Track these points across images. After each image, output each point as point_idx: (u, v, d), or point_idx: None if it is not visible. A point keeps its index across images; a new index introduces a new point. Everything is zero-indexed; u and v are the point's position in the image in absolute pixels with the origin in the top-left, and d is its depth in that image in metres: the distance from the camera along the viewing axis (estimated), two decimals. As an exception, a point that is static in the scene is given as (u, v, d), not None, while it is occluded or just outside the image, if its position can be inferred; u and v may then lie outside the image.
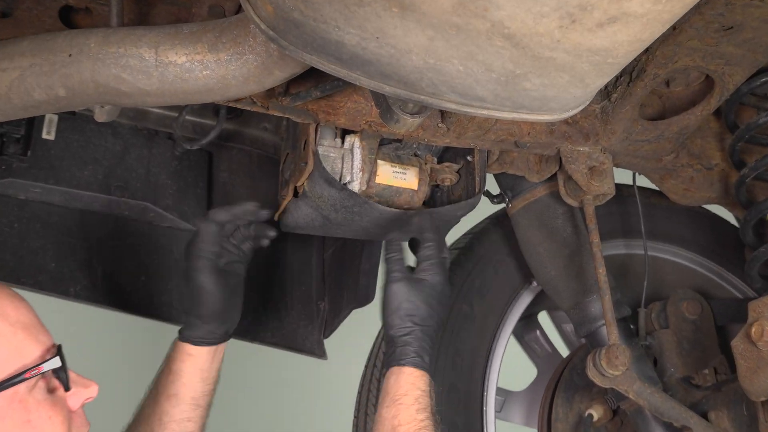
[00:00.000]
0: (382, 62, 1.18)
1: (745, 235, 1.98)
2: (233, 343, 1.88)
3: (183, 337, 1.78)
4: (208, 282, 1.76)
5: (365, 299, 2.08)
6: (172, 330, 1.87)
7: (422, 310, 1.71)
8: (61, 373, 1.38)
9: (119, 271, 2.05)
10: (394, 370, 1.68)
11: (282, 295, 2.21)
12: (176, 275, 2.10)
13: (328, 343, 2.22)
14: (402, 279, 1.72)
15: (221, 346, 1.80)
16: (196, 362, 1.77)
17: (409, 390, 1.66)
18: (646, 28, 1.11)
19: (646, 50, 1.70)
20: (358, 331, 1.78)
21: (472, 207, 1.90)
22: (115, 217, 2.06)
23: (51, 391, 1.39)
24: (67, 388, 1.40)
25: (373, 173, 1.87)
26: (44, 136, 2.01)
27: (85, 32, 1.44)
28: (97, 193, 2.02)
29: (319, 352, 2.21)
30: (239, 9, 1.59)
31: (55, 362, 1.37)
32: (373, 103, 1.74)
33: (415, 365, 1.68)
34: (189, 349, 1.77)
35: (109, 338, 3.55)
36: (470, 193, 1.91)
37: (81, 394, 1.42)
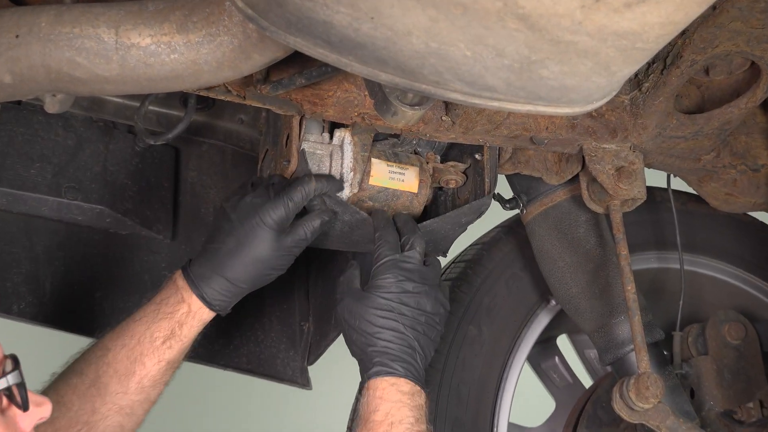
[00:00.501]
0: (377, 46, 1.19)
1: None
2: (201, 369, 1.89)
3: (212, 305, 1.80)
4: (268, 254, 1.79)
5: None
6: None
7: (377, 320, 1.75)
8: (20, 391, 1.36)
9: (70, 286, 2.06)
10: (363, 389, 1.74)
11: (259, 315, 2.22)
12: (137, 291, 2.11)
13: (313, 371, 2.23)
14: (347, 295, 1.79)
15: None
16: (199, 331, 1.82)
17: (378, 405, 1.70)
18: (681, 8, 1.13)
19: (682, 33, 1.72)
20: (347, 356, 1.79)
21: (479, 212, 1.91)
22: (66, 224, 2.07)
23: (1, 411, 1.36)
24: (25, 408, 1.37)
25: (366, 173, 1.88)
26: (-18, 129, 2.02)
27: (35, 10, 1.45)
28: (45, 196, 2.02)
29: (302, 381, 2.22)
30: (212, -17, 1.60)
31: (15, 377, 1.35)
32: (366, 93, 1.76)
33: (379, 374, 1.72)
34: (206, 314, 1.81)
35: (56, 363, 3.54)
36: (478, 197, 1.92)
37: (34, 414, 1.39)
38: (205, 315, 1.81)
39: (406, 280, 1.77)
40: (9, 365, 1.37)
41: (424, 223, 1.89)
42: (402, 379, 1.72)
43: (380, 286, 1.77)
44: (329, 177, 1.82)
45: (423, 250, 1.82)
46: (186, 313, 1.80)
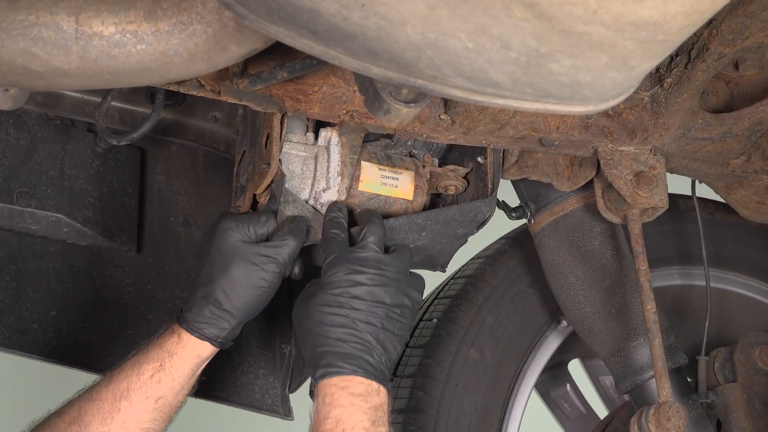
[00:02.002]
0: (368, 36, 1.20)
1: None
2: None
3: (202, 333, 1.83)
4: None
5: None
6: (85, 378, 1.88)
7: (324, 317, 1.76)
8: None
9: (22, 302, 2.06)
10: (314, 396, 1.75)
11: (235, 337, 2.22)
12: (98, 310, 2.11)
13: (295, 399, 2.23)
14: (298, 299, 1.84)
15: None
16: (200, 366, 1.85)
17: (328, 411, 1.71)
18: (707, -4, 1.14)
19: (709, 23, 1.73)
20: (334, 383, 1.80)
21: (476, 220, 1.91)
22: (18, 234, 2.07)
23: None
24: None
25: (355, 178, 1.89)
26: (-76, 127, 2.02)
27: (-16, -6, 1.46)
28: (-5, 202, 2.03)
29: (283, 411, 2.22)
30: (184, -35, 1.61)
31: None
32: (356, 88, 1.76)
33: (326, 375, 1.73)
34: (203, 349, 1.83)
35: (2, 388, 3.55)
36: (481, 205, 1.93)
37: None
38: (198, 346, 1.82)
39: (357, 272, 1.77)
40: None
41: (391, 219, 1.89)
42: (354, 378, 1.72)
43: (328, 282, 1.78)
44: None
45: (380, 239, 1.83)
46: (176, 343, 1.82)
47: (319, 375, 1.74)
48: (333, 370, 1.73)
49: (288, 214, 1.84)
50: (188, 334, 1.82)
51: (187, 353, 1.82)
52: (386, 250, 1.86)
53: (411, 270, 1.87)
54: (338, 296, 1.76)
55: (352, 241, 1.85)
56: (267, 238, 1.84)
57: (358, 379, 1.73)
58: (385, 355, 1.77)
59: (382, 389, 1.75)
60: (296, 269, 1.86)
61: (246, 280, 1.80)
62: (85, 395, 1.82)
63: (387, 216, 1.92)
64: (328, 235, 1.83)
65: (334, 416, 1.69)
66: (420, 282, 1.87)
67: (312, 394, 1.77)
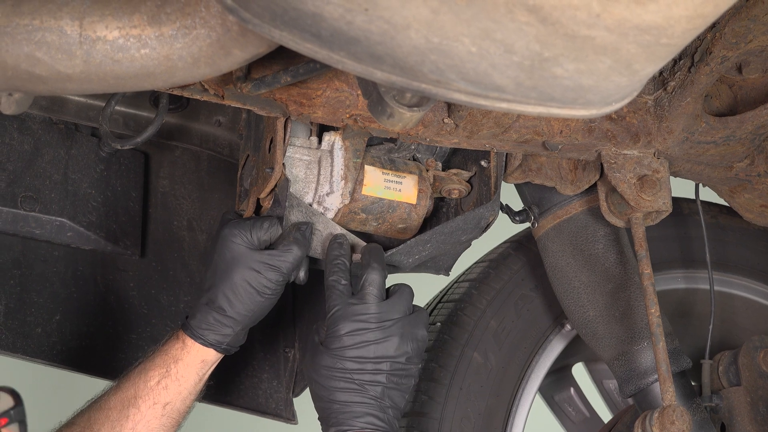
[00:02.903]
0: (372, 41, 1.20)
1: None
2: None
3: (206, 339, 1.84)
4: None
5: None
6: (89, 383, 1.88)
7: (329, 382, 1.78)
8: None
9: (26, 306, 2.06)
10: None
11: (242, 344, 2.22)
12: (102, 314, 2.11)
13: (299, 403, 2.23)
14: (306, 351, 1.87)
15: None
16: (206, 371, 1.86)
17: None
18: (710, 0, 1.14)
19: (712, 27, 1.73)
20: (337, 387, 1.81)
21: (479, 226, 1.92)
22: (22, 238, 2.07)
23: None
24: None
25: (358, 182, 1.89)
26: (-72, 131, 2.02)
27: (-12, -1, 1.46)
28: (-1, 206, 2.03)
29: (287, 415, 2.22)
30: (187, -31, 1.61)
31: (20, 413, 1.36)
32: (359, 92, 1.76)
33: None
34: (208, 355, 1.84)
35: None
36: (484, 209, 1.93)
37: None
38: (202, 352, 1.83)
39: (359, 330, 1.79)
40: (7, 400, 1.36)
41: (401, 246, 1.89)
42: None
43: (331, 341, 1.79)
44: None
45: (380, 287, 1.83)
46: (180, 349, 1.83)
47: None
48: (344, 428, 1.76)
49: (293, 219, 1.84)
50: (192, 341, 1.82)
51: (192, 359, 1.82)
52: (387, 291, 1.86)
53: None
54: (341, 358, 1.78)
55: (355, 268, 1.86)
56: (271, 245, 1.84)
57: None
58: (392, 408, 1.79)
59: None
60: (301, 274, 1.86)
61: (249, 287, 1.81)
62: (94, 405, 1.83)
63: (391, 222, 1.92)
64: (329, 282, 1.83)
65: None
66: (423, 316, 1.87)
67: None
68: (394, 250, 1.89)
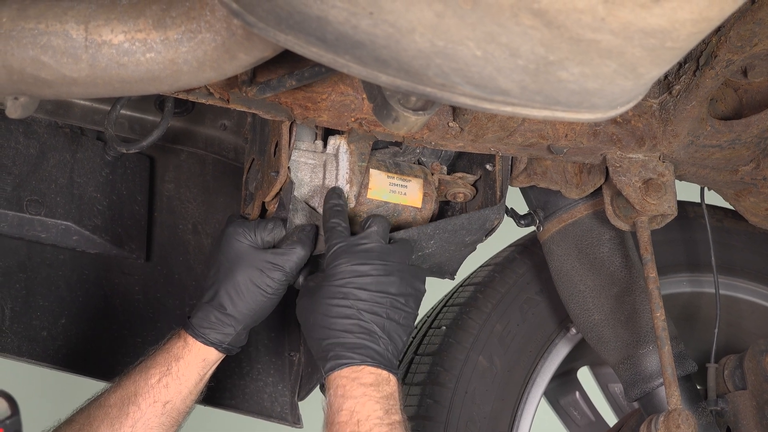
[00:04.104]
0: (377, 44, 1.20)
1: None
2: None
3: (207, 337, 1.84)
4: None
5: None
6: (94, 386, 1.88)
7: (330, 310, 1.77)
8: None
9: (32, 311, 2.06)
10: (325, 390, 1.75)
11: (244, 345, 2.22)
12: (107, 317, 2.11)
13: (304, 407, 2.23)
14: (301, 295, 1.84)
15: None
16: (207, 371, 1.86)
17: (341, 404, 1.71)
18: (715, 3, 1.14)
19: (717, 30, 1.73)
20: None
21: (484, 228, 1.92)
22: (28, 242, 2.07)
23: None
24: None
25: (363, 186, 1.89)
26: (-67, 135, 2.02)
27: (-5, 3, 1.47)
28: (5, 210, 2.02)
29: (292, 418, 2.22)
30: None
31: (16, 423, 1.34)
32: (364, 96, 1.77)
33: (335, 367, 1.74)
34: (209, 354, 1.84)
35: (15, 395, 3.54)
36: (489, 213, 1.93)
37: None
38: (203, 350, 1.83)
39: (361, 262, 1.77)
40: (3, 408, 1.35)
41: (401, 231, 1.89)
42: (363, 368, 1.73)
43: (332, 274, 1.78)
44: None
45: (384, 229, 1.82)
46: (182, 347, 1.83)
47: (329, 367, 1.74)
48: (342, 362, 1.73)
49: (297, 222, 1.84)
50: (194, 339, 1.82)
51: (193, 357, 1.82)
52: (388, 242, 1.86)
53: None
54: (342, 287, 1.76)
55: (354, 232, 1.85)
56: (274, 246, 1.84)
57: (368, 369, 1.73)
58: (391, 345, 1.77)
59: (392, 377, 1.75)
60: (300, 279, 1.86)
61: (251, 285, 1.81)
62: (94, 402, 1.82)
63: (396, 225, 1.92)
64: (329, 225, 1.82)
65: (348, 408, 1.70)
66: (422, 273, 1.87)
67: (323, 387, 1.77)
68: (402, 231, 1.88)
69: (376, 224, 1.82)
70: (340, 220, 1.82)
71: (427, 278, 2.01)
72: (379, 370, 1.74)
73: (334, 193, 1.85)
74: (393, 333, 1.78)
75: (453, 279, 2.05)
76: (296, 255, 1.80)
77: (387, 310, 1.77)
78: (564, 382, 2.50)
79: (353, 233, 1.84)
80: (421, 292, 1.85)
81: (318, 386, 1.96)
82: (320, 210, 1.88)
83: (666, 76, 1.89)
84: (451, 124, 1.84)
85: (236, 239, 1.82)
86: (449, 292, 2.31)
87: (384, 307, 1.77)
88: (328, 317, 1.76)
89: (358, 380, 1.72)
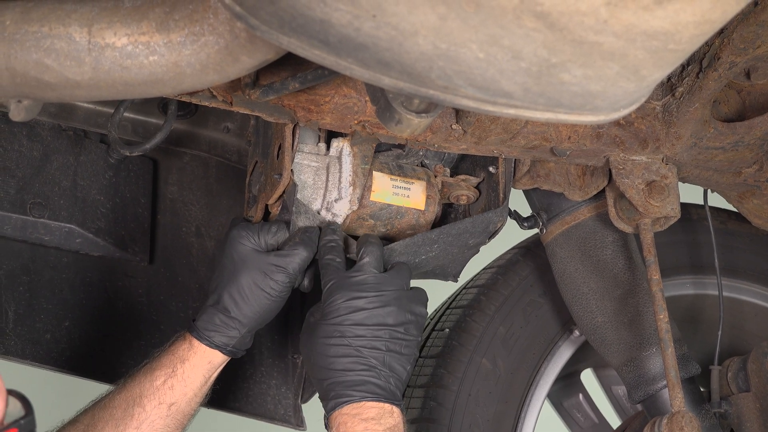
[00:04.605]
0: (380, 47, 1.20)
1: None
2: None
3: (211, 340, 1.84)
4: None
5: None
6: (98, 389, 1.89)
7: (328, 350, 1.76)
8: None
9: (36, 313, 2.06)
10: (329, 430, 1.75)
11: (249, 348, 2.22)
12: (110, 320, 2.11)
13: (308, 409, 2.23)
14: (303, 330, 1.84)
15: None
16: (212, 373, 1.86)
17: None
18: (718, 5, 1.14)
19: (720, 32, 1.73)
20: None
21: (487, 230, 1.92)
22: (31, 244, 2.07)
23: None
24: None
25: (366, 188, 1.89)
26: (-63, 138, 2.02)
27: (-2, 6, 1.47)
28: (8, 213, 2.02)
29: (296, 421, 2.22)
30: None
31: (30, 423, 1.34)
32: (367, 99, 1.77)
33: (336, 406, 1.74)
34: (214, 356, 1.84)
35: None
36: (492, 215, 1.93)
37: None
38: (209, 353, 1.83)
39: (356, 297, 1.77)
40: (17, 408, 1.33)
41: (407, 240, 1.89)
42: (364, 404, 1.73)
43: (328, 312, 1.78)
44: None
45: (377, 259, 1.82)
46: (187, 349, 1.83)
47: (330, 407, 1.75)
48: (342, 400, 1.74)
49: (300, 224, 1.84)
50: (198, 342, 1.83)
51: (198, 360, 1.82)
52: (384, 268, 1.85)
53: (413, 285, 1.88)
54: (339, 325, 1.76)
55: (352, 264, 1.85)
56: (278, 248, 1.84)
57: (369, 404, 1.73)
58: (393, 377, 1.77)
59: (396, 410, 1.75)
60: (305, 282, 1.86)
61: (255, 288, 1.81)
62: (98, 404, 1.83)
63: (399, 227, 1.92)
64: (323, 262, 1.82)
65: None
66: (422, 295, 1.86)
67: (327, 426, 1.77)
68: (399, 244, 1.88)
69: (368, 255, 1.81)
70: (335, 255, 1.82)
71: (430, 280, 2.01)
72: (381, 404, 1.74)
73: (329, 229, 1.86)
74: (394, 364, 1.78)
75: (456, 281, 2.05)
76: (299, 256, 1.80)
77: (386, 343, 1.77)
78: (567, 384, 2.49)
79: (355, 238, 1.84)
80: (422, 317, 1.84)
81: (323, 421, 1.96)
82: (323, 212, 1.88)
83: (669, 78, 1.89)
84: (454, 126, 1.84)
85: (240, 242, 1.82)
86: (452, 295, 2.31)
87: (383, 340, 1.77)
88: (326, 357, 1.76)
89: (359, 416, 1.72)
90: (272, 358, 2.23)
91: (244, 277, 1.81)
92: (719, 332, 2.14)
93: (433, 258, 1.93)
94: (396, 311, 1.79)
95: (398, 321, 1.78)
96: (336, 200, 1.88)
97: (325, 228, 1.86)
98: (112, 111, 2.05)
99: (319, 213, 1.87)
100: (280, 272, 1.80)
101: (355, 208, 1.88)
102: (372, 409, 1.73)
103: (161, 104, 2.15)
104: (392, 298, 1.79)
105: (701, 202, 2.22)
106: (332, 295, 1.78)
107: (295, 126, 1.81)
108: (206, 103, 1.71)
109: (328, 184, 1.88)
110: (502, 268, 2.26)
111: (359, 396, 1.73)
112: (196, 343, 1.83)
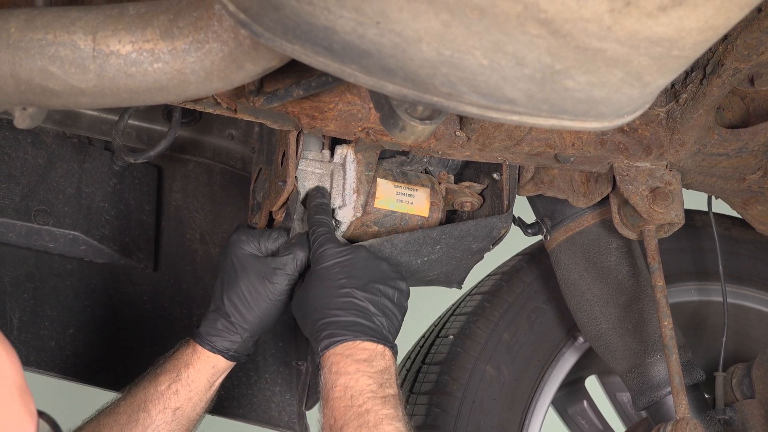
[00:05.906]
0: (384, 54, 1.21)
1: None
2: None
3: (214, 345, 1.84)
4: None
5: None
6: (104, 397, 1.89)
7: (323, 292, 1.77)
8: None
9: (40, 320, 2.06)
10: (320, 369, 1.75)
11: (252, 353, 2.22)
12: (115, 327, 2.11)
13: (312, 417, 2.23)
14: (296, 290, 1.84)
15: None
16: (216, 378, 1.86)
17: (335, 380, 1.70)
18: (721, 12, 1.14)
19: (724, 39, 1.73)
20: (351, 400, 1.80)
21: (491, 236, 1.92)
22: (36, 251, 2.07)
23: None
24: None
25: (371, 195, 1.90)
26: (-57, 145, 2.03)
27: (3, 14, 1.46)
28: (13, 220, 2.03)
29: (300, 428, 2.22)
30: (200, -16, 1.62)
31: None
32: (371, 106, 1.77)
33: (329, 345, 1.73)
34: (218, 361, 1.84)
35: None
36: (497, 222, 1.93)
37: None
38: (212, 358, 1.83)
39: (348, 248, 1.79)
40: (47, 431, 1.33)
41: (406, 233, 1.89)
42: (357, 344, 1.73)
43: (321, 258, 1.78)
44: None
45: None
46: (191, 354, 1.83)
47: (323, 346, 1.74)
48: (335, 339, 1.73)
49: (299, 230, 1.84)
50: (201, 347, 1.83)
51: (202, 364, 1.83)
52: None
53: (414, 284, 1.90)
54: (333, 267, 1.77)
55: None
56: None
57: (361, 344, 1.73)
58: (386, 321, 1.77)
59: (387, 352, 1.75)
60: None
61: (254, 292, 1.81)
62: (103, 411, 1.83)
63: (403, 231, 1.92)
64: (314, 220, 1.83)
65: (342, 384, 1.70)
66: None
67: (319, 367, 1.77)
68: (400, 238, 1.88)
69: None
70: (325, 216, 1.83)
71: (434, 287, 2.01)
72: (374, 345, 1.73)
73: (318, 192, 1.87)
74: (387, 310, 1.78)
75: (460, 288, 2.05)
76: (295, 258, 1.80)
77: (380, 287, 1.78)
78: (572, 391, 2.49)
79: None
80: (407, 291, 1.84)
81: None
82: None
83: (673, 85, 1.89)
84: (458, 133, 1.84)
85: (239, 247, 1.83)
86: (457, 301, 2.31)
87: (376, 284, 1.78)
88: (321, 298, 1.76)
89: (351, 357, 1.72)
90: (276, 365, 2.23)
91: (243, 281, 1.81)
92: (724, 339, 2.14)
93: (436, 262, 1.92)
94: (387, 266, 1.81)
95: (390, 270, 1.80)
96: (340, 207, 1.88)
97: (314, 190, 1.87)
98: (117, 118, 2.06)
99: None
100: (279, 275, 1.80)
101: (359, 215, 1.88)
102: (364, 350, 1.73)
103: (165, 111, 2.15)
104: (381, 257, 1.82)
105: (705, 209, 2.22)
106: (323, 245, 1.79)
107: (299, 133, 1.81)
108: (210, 111, 1.71)
109: (332, 191, 1.88)
110: (506, 274, 2.26)
111: (352, 335, 1.73)
112: (199, 348, 1.83)
